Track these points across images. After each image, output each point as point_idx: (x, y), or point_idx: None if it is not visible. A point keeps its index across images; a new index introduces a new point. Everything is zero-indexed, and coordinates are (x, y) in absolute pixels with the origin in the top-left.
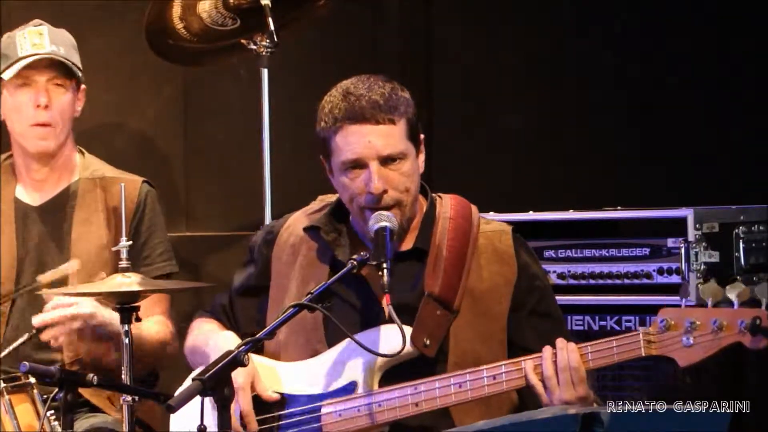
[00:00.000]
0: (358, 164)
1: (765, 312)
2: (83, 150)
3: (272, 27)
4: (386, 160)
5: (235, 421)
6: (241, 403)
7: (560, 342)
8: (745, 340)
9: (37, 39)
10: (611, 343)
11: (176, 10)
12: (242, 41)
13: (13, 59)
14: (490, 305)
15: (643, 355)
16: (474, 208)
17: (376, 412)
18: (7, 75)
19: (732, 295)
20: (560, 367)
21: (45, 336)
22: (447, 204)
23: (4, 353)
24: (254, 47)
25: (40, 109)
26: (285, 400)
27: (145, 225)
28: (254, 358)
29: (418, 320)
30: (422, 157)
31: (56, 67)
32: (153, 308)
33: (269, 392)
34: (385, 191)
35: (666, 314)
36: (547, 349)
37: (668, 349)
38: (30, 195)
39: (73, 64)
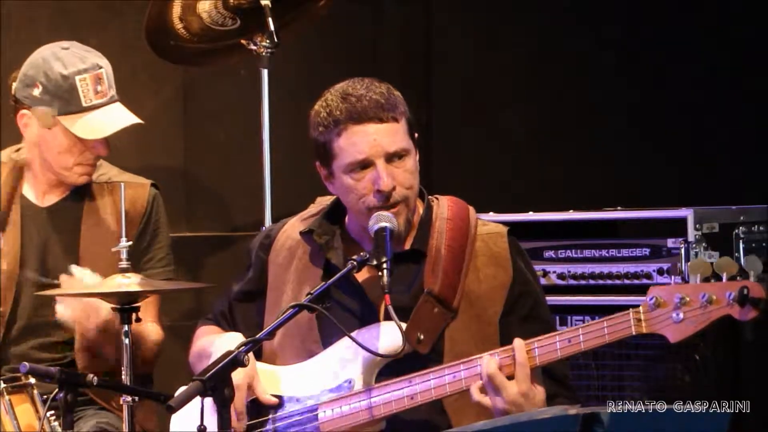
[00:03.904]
0: (365, 164)
1: (753, 283)
2: None
3: (272, 27)
4: (392, 158)
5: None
6: (235, 402)
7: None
8: (734, 311)
9: (99, 86)
10: (602, 323)
11: (176, 10)
12: (242, 41)
13: (78, 107)
14: (485, 308)
15: (634, 333)
16: (471, 210)
17: (372, 408)
18: (80, 132)
19: (719, 269)
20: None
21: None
22: (444, 205)
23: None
24: (254, 47)
25: (92, 152)
26: (283, 401)
27: (150, 228)
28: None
29: (414, 316)
30: (417, 156)
31: None
32: (145, 309)
33: (267, 396)
34: (393, 188)
35: (655, 292)
36: (486, 356)
37: (658, 326)
38: (37, 195)
39: (132, 116)
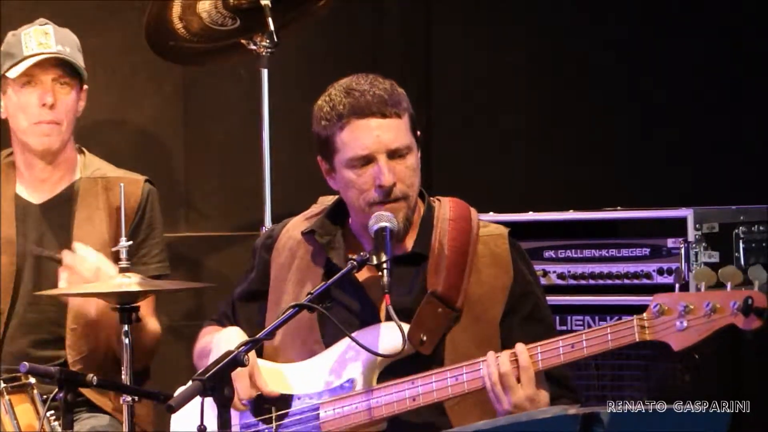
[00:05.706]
0: (367, 159)
1: (757, 292)
2: (84, 149)
3: (272, 27)
4: (393, 154)
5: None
6: (240, 390)
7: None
8: (738, 321)
9: (43, 38)
10: (605, 330)
11: (176, 9)
12: (242, 41)
13: (19, 58)
14: (486, 309)
15: (637, 340)
16: (473, 211)
17: (373, 408)
18: (13, 74)
19: (724, 278)
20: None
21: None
22: (446, 206)
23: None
24: (254, 47)
25: (46, 108)
26: (284, 399)
27: (144, 224)
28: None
29: (417, 317)
30: (419, 154)
31: (62, 66)
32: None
33: (267, 388)
34: (394, 184)
35: (659, 299)
36: (491, 354)
37: (662, 334)
38: (31, 193)
39: (77, 63)
